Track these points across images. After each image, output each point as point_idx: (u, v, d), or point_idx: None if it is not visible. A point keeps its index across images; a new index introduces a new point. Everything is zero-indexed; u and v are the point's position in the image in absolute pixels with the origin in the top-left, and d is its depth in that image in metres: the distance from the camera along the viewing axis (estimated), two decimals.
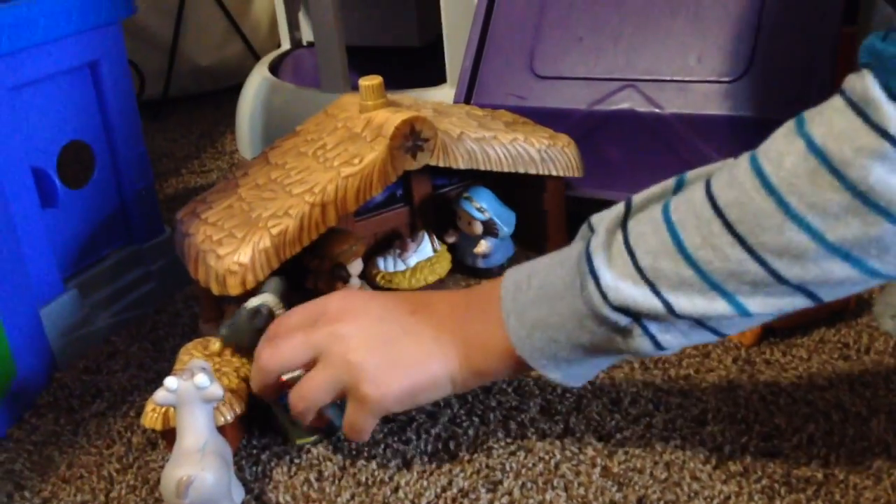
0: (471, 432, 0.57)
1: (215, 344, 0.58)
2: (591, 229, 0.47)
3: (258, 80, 1.16)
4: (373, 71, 0.70)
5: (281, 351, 0.50)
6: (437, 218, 0.74)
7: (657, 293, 0.42)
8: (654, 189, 0.46)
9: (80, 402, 0.64)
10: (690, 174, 0.46)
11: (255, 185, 0.68)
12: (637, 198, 0.46)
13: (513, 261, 0.75)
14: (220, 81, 1.47)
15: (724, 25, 0.81)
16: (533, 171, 0.71)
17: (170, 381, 0.48)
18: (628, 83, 0.83)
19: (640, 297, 0.42)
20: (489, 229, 0.71)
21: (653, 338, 0.43)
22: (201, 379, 0.48)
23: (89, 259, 0.74)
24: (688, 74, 0.81)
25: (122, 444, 0.59)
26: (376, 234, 0.72)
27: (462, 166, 0.68)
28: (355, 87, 0.69)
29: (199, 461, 0.47)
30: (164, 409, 0.53)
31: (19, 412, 0.63)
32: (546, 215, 0.75)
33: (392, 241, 0.72)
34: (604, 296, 0.43)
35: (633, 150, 0.82)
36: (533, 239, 0.76)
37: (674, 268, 0.41)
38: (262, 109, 1.13)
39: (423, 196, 0.73)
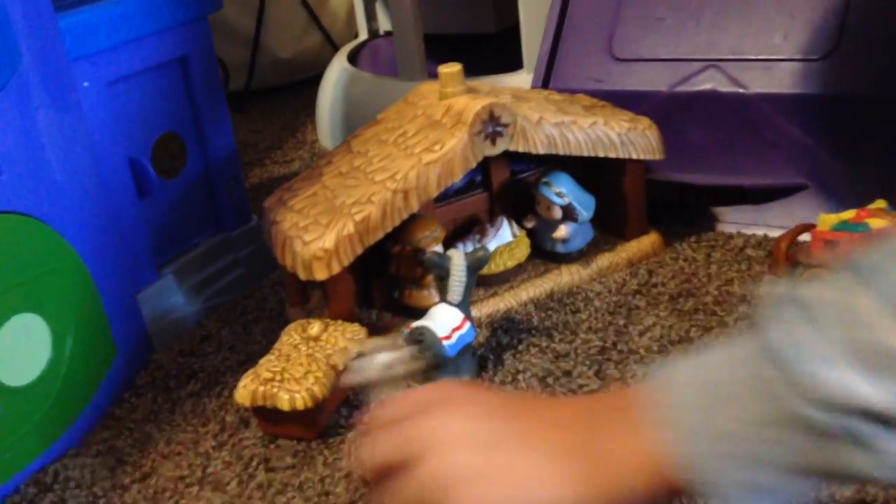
0: None
1: (313, 327, 0.60)
2: (771, 311, 0.35)
3: (337, 70, 1.18)
4: (449, 59, 0.71)
5: (376, 445, 0.41)
6: (516, 203, 0.74)
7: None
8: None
9: (176, 382, 0.67)
10: None
11: (338, 173, 0.69)
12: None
13: (591, 245, 0.74)
14: (300, 73, 1.51)
15: (810, 1, 0.78)
16: (613, 155, 0.71)
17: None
18: (711, 63, 0.81)
19: (870, 391, 0.31)
20: (568, 214, 0.71)
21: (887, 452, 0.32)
22: None
23: (182, 246, 0.77)
24: (773, 53, 0.79)
25: (217, 422, 0.62)
26: (456, 219, 0.73)
27: (541, 151, 0.68)
28: (432, 75, 0.70)
29: None
30: (254, 387, 0.55)
31: (120, 392, 0.67)
32: (626, 199, 0.74)
33: (471, 227, 0.73)
34: (812, 396, 0.32)
35: (717, 132, 0.80)
36: (613, 223, 0.76)
37: None
38: (342, 99, 1.15)
39: (501, 182, 0.73)
